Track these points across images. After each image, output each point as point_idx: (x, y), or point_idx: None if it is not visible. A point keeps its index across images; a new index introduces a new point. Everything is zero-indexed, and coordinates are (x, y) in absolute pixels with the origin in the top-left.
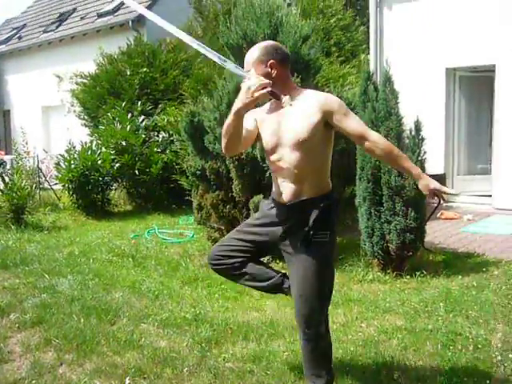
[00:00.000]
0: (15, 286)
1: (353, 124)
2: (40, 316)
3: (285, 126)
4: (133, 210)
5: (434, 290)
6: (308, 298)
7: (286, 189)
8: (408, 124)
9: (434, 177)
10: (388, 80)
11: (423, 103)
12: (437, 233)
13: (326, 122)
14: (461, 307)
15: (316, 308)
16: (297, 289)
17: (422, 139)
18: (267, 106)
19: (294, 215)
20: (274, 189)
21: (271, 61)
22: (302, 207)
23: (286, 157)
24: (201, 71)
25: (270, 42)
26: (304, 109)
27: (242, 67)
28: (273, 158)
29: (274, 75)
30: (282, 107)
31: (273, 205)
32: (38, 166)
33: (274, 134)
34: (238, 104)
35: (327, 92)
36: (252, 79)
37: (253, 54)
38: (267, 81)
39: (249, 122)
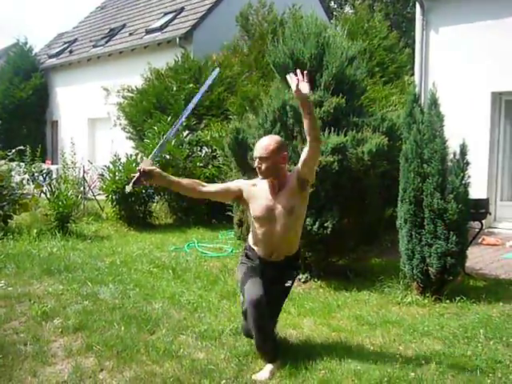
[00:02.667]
0: (59, 292)
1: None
2: (82, 322)
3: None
4: (173, 223)
5: (474, 315)
6: None
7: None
8: (452, 147)
9: (477, 201)
10: (434, 103)
11: (467, 127)
12: (478, 258)
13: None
14: (501, 334)
15: None
16: None
17: (467, 163)
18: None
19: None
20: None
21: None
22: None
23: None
24: (246, 88)
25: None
26: None
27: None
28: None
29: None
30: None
31: None
32: (83, 176)
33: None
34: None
35: (371, 112)
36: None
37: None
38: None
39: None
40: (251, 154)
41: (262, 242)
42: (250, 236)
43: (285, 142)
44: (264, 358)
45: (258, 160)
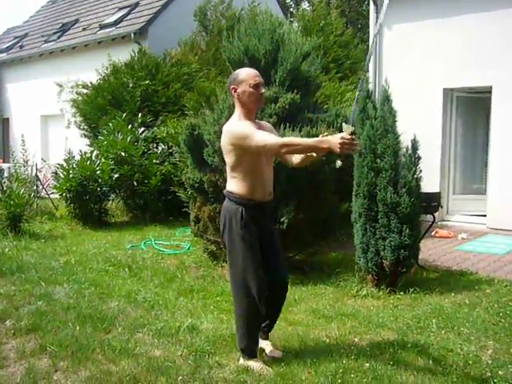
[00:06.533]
0: (11, 293)
1: None
2: (35, 323)
3: None
4: (130, 220)
5: (426, 306)
6: None
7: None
8: (405, 142)
9: (429, 195)
10: (387, 99)
11: (420, 122)
12: (431, 251)
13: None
14: (453, 324)
15: None
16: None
17: (419, 158)
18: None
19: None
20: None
21: None
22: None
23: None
24: (203, 85)
25: None
26: None
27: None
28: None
29: None
30: None
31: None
32: (36, 174)
33: None
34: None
35: (326, 108)
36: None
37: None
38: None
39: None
40: (207, 150)
41: (261, 183)
42: (242, 187)
43: None
44: (248, 354)
45: (260, 85)
